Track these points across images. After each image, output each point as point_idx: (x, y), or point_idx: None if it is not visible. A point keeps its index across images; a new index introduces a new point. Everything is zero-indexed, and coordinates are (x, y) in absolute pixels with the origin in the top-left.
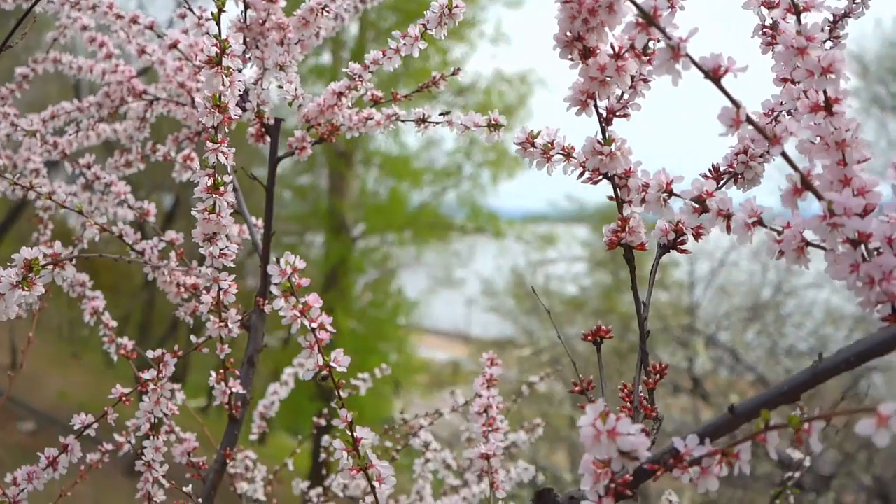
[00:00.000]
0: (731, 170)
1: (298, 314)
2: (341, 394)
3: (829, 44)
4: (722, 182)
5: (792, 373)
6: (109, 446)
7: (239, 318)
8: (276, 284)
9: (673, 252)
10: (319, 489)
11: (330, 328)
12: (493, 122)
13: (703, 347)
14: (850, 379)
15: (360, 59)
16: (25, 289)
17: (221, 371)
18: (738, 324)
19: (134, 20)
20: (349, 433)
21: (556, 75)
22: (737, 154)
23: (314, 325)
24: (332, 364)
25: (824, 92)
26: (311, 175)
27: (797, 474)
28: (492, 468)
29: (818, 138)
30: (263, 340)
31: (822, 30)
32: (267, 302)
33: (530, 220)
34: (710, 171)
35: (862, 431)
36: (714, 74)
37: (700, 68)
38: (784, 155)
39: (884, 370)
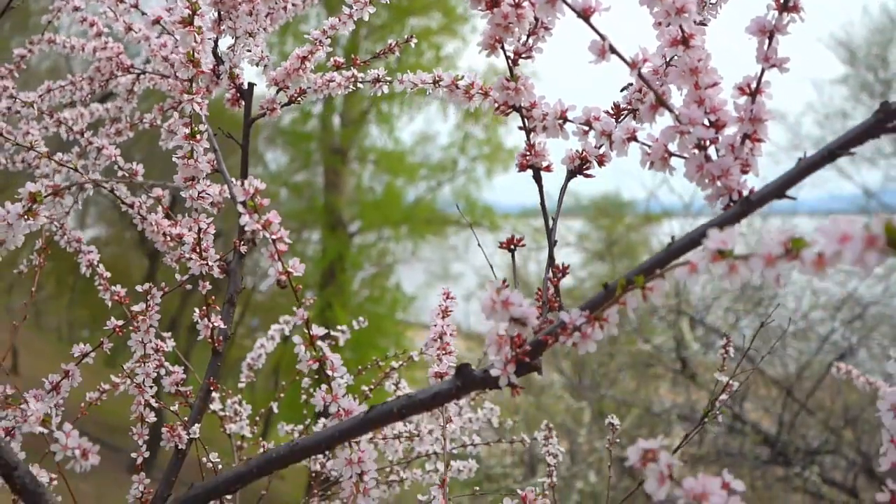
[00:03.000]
0: (629, 106)
1: (261, 227)
2: (301, 299)
3: None
4: (622, 117)
5: (781, 353)
6: (105, 386)
7: (218, 257)
8: (240, 202)
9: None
10: (301, 426)
11: (287, 240)
12: (437, 79)
13: (688, 328)
14: (835, 356)
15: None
16: (30, 217)
17: (204, 307)
18: (727, 306)
19: None
20: (306, 330)
21: (549, 68)
22: (634, 92)
23: (275, 237)
24: (291, 269)
25: (681, 28)
26: (307, 172)
27: (724, 396)
28: None
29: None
30: (242, 283)
31: None
32: (243, 244)
33: (526, 213)
34: (611, 107)
35: (679, 277)
36: (585, 13)
37: (573, 8)
38: (641, 77)
39: (868, 348)
